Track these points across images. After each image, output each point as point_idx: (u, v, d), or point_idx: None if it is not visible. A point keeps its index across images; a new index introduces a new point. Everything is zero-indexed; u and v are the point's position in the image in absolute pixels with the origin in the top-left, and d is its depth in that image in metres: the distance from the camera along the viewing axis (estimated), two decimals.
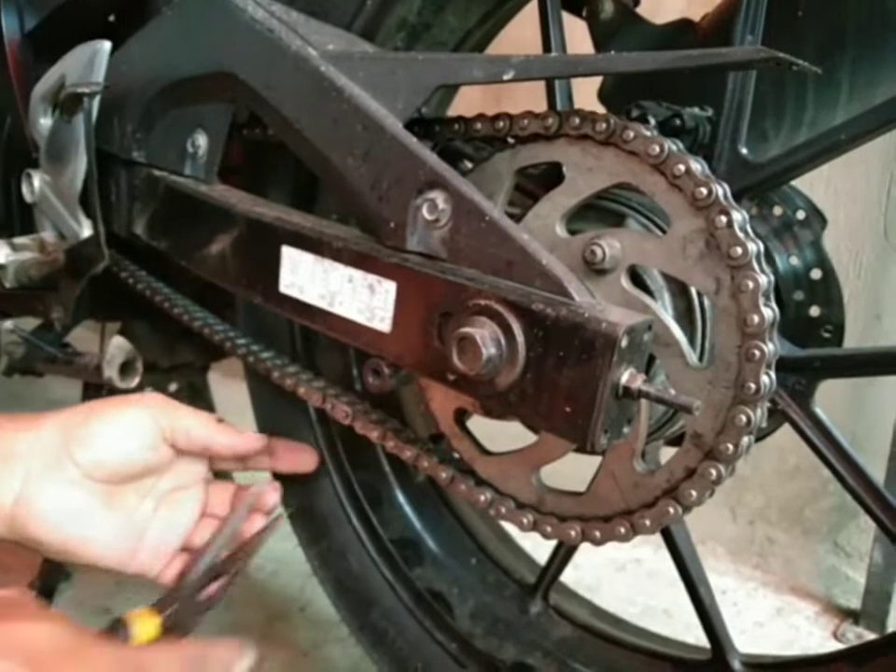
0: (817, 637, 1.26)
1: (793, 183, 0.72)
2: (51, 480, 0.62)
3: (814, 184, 1.18)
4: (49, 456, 0.62)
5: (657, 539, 0.72)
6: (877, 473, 1.17)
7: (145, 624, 0.62)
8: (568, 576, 0.86)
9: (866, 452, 1.23)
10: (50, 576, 1.18)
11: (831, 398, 1.20)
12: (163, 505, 0.69)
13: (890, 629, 1.26)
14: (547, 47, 0.73)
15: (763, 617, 1.31)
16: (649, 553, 1.41)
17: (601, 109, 0.77)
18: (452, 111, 0.93)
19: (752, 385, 0.50)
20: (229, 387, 1.47)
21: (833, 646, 1.24)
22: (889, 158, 1.19)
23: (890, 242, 1.22)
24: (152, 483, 0.69)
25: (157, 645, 0.61)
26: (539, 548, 0.86)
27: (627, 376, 0.48)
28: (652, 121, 0.66)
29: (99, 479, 0.64)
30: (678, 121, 0.67)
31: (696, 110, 0.69)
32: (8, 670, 0.44)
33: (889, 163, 1.20)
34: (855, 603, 1.31)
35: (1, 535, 0.62)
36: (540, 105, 0.67)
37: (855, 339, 1.23)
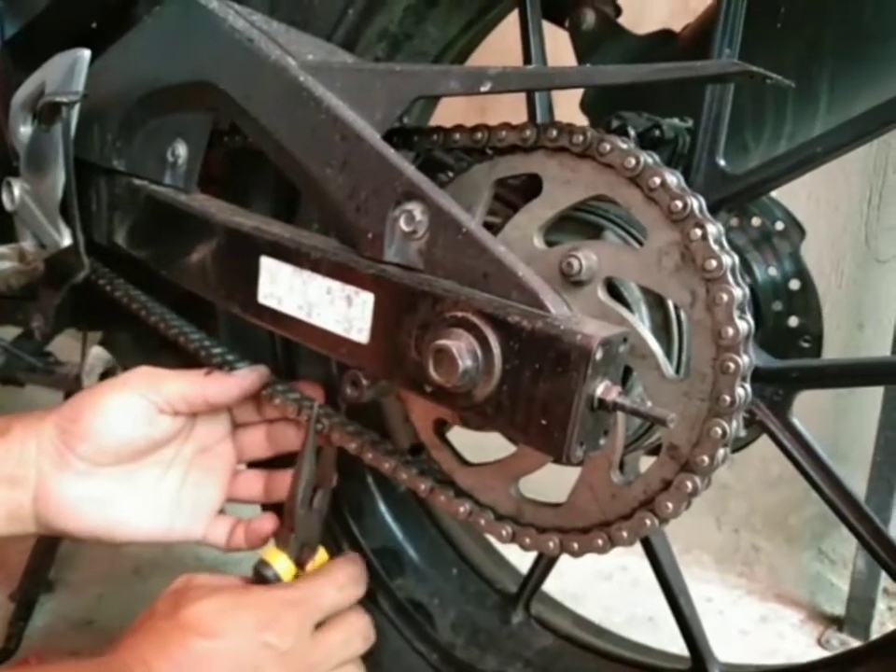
0: (801, 645, 1.27)
1: (774, 192, 0.72)
2: (62, 476, 0.64)
3: (796, 193, 1.18)
4: (54, 455, 0.64)
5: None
6: (860, 483, 1.18)
7: (279, 560, 0.66)
8: (553, 584, 0.86)
9: (849, 461, 1.24)
10: (31, 588, 1.17)
11: (813, 407, 1.21)
12: (193, 468, 0.70)
13: (874, 636, 1.26)
14: (528, 57, 0.73)
15: (749, 624, 1.32)
16: (635, 560, 1.41)
17: (583, 120, 0.78)
18: (436, 120, 0.93)
19: (727, 398, 0.50)
20: None
21: (818, 653, 1.24)
22: (871, 168, 1.20)
23: (872, 251, 1.22)
24: (174, 451, 0.70)
25: (313, 576, 0.66)
26: (524, 558, 0.86)
27: (602, 388, 0.48)
28: (632, 132, 0.66)
29: (109, 464, 0.65)
30: (657, 132, 0.67)
31: (676, 121, 0.70)
32: (193, 643, 0.56)
33: (871, 173, 1.20)
34: (839, 610, 1.32)
35: (35, 531, 0.66)
36: (524, 116, 0.67)
37: (837, 348, 1.24)
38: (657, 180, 0.50)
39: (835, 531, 1.34)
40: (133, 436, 0.66)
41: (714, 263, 0.49)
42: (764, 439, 0.69)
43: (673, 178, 0.51)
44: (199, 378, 0.68)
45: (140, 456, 0.67)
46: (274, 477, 0.72)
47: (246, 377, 0.69)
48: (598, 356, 0.46)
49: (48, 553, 1.20)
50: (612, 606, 1.29)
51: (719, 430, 0.50)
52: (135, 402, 0.66)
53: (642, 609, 1.28)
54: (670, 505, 0.52)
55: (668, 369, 0.53)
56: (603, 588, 1.37)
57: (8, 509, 0.64)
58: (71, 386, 0.92)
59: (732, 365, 0.49)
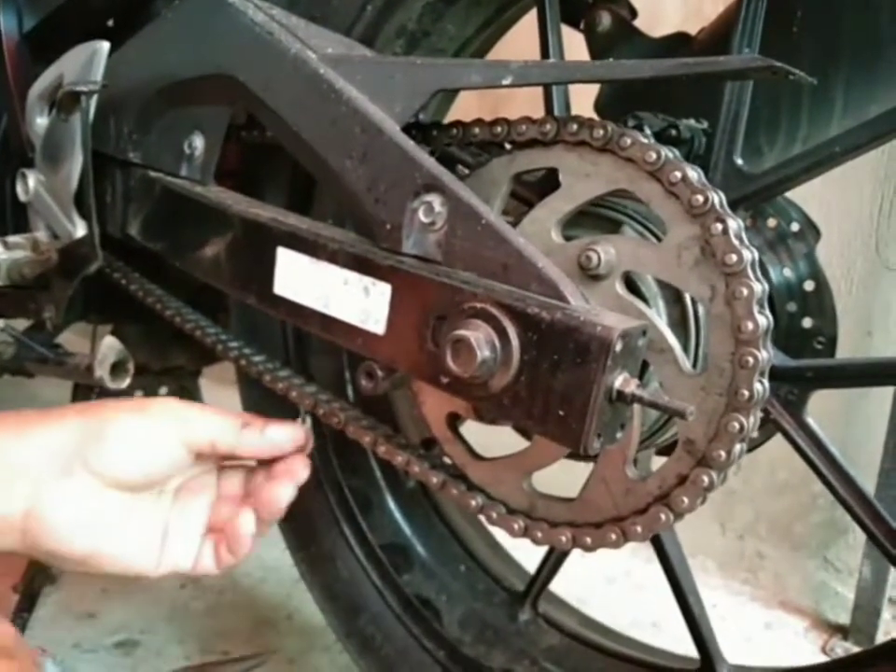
0: (806, 652, 1.27)
1: (789, 197, 0.72)
2: (64, 489, 0.58)
3: (807, 199, 1.18)
4: (61, 464, 0.58)
5: (647, 551, 0.72)
6: (869, 485, 1.18)
7: None
8: (558, 587, 0.86)
9: (857, 464, 1.23)
10: (35, 580, 1.17)
11: (823, 412, 1.21)
12: (179, 499, 0.65)
13: None
14: (545, 57, 0.73)
15: (753, 631, 1.31)
16: (639, 564, 1.41)
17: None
18: (449, 117, 0.94)
19: (745, 392, 0.50)
20: (220, 392, 1.46)
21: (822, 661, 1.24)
22: (882, 175, 1.20)
23: (882, 258, 1.23)
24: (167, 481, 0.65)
25: None
26: (531, 557, 0.86)
27: (621, 380, 0.48)
28: (648, 132, 0.66)
29: (115, 488, 0.60)
30: (673, 132, 0.67)
31: (692, 122, 0.70)
32: None
33: (882, 181, 1.21)
34: (844, 618, 1.32)
35: (15, 549, 0.58)
36: (538, 112, 0.67)
37: (846, 355, 1.24)
38: (678, 174, 0.51)
39: (841, 539, 1.34)
40: (153, 469, 0.61)
41: (735, 258, 0.49)
42: (773, 444, 0.69)
43: (694, 173, 0.51)
44: (234, 429, 0.63)
45: (144, 487, 0.63)
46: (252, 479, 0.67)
47: (282, 444, 0.64)
48: (618, 347, 0.46)
49: None
50: (617, 609, 1.28)
51: (736, 425, 0.50)
52: (166, 437, 0.61)
53: (646, 613, 1.28)
54: (685, 500, 0.52)
55: (686, 363, 0.53)
56: (607, 591, 1.36)
57: None
58: (82, 377, 0.92)
59: (751, 359, 0.49)
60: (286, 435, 0.65)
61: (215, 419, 0.63)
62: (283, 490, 0.63)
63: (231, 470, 0.68)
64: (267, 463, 0.65)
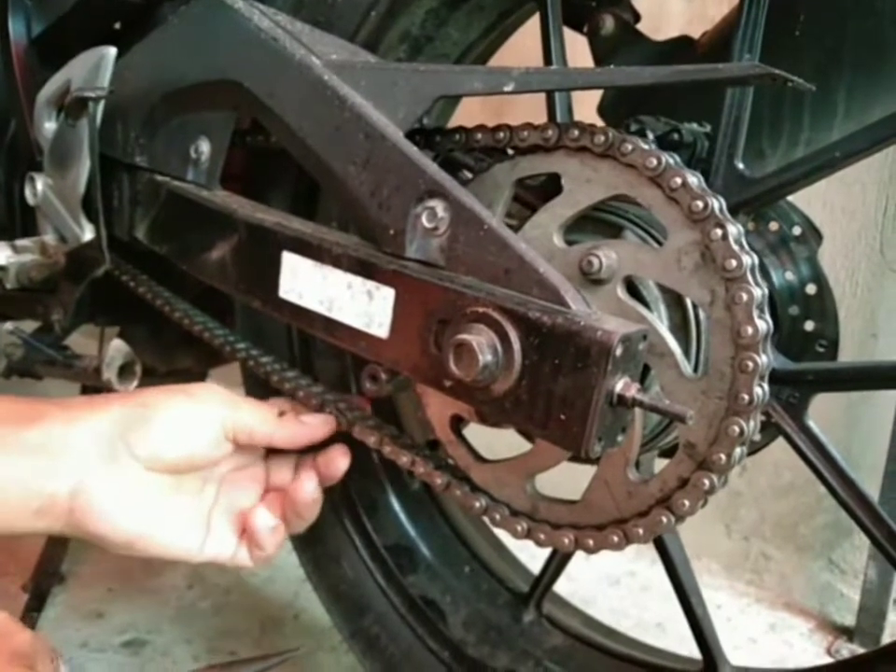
0: (810, 654, 1.27)
1: (791, 200, 0.73)
2: (110, 472, 0.59)
3: (811, 201, 1.18)
4: (106, 448, 0.60)
5: (652, 552, 0.72)
6: (872, 489, 1.18)
7: None
8: (563, 588, 0.87)
9: (861, 468, 1.23)
10: (44, 579, 1.18)
11: (826, 416, 1.21)
12: (224, 487, 0.67)
13: None
14: (548, 61, 0.74)
15: (757, 633, 1.31)
16: (644, 566, 1.41)
17: (601, 123, 0.79)
18: (453, 122, 0.94)
19: (745, 396, 0.50)
20: None
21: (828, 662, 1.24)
22: (886, 177, 1.20)
23: (886, 260, 1.22)
24: (211, 468, 0.66)
25: None
26: (535, 558, 0.87)
27: (622, 385, 0.49)
28: (651, 136, 0.67)
29: (159, 471, 0.61)
30: (676, 136, 0.68)
31: (694, 126, 0.70)
32: None
33: (886, 183, 1.21)
34: (849, 620, 1.31)
35: (59, 530, 0.60)
36: (541, 118, 0.68)
37: (850, 357, 1.24)
38: (678, 180, 0.51)
39: (846, 541, 1.34)
40: (197, 454, 0.63)
41: (734, 263, 0.49)
42: (778, 445, 0.69)
43: (694, 179, 0.51)
44: (272, 418, 0.66)
45: (188, 472, 0.64)
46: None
47: (317, 428, 0.67)
48: (618, 352, 0.47)
49: (60, 545, 1.21)
50: (621, 610, 1.29)
51: (736, 429, 0.50)
52: (210, 422, 0.63)
53: (651, 614, 1.28)
54: (686, 503, 0.53)
55: (686, 367, 0.53)
56: (612, 593, 1.37)
57: (40, 503, 0.58)
58: (89, 379, 0.93)
59: (750, 364, 0.49)
60: (319, 419, 0.67)
61: (254, 408, 0.66)
62: (307, 484, 0.66)
63: (279, 462, 0.70)
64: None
